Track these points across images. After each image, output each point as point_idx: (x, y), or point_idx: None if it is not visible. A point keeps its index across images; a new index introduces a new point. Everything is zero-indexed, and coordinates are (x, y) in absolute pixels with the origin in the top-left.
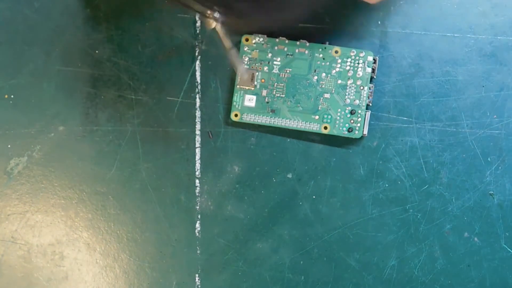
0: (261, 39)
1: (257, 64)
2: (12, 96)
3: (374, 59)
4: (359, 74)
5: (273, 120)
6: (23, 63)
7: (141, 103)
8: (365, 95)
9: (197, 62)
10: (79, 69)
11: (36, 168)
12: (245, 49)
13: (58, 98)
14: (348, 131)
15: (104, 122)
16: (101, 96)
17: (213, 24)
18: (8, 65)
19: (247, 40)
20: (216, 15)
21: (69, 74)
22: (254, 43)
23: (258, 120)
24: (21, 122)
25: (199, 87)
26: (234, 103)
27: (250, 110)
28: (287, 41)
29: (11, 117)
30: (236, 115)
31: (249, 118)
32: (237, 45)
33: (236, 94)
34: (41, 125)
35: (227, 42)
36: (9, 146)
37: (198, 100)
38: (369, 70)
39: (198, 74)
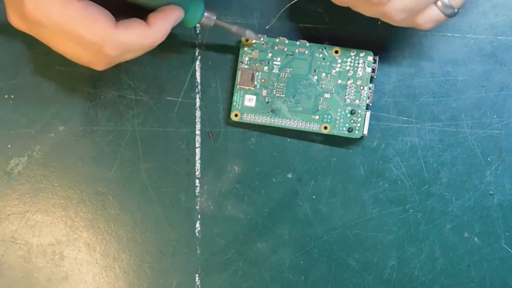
0: (261, 39)
1: (257, 64)
2: (12, 96)
3: (374, 59)
4: (359, 74)
5: (273, 120)
6: (23, 63)
7: (141, 103)
8: (365, 95)
9: (197, 62)
10: (79, 69)
11: (36, 168)
12: (245, 49)
13: (58, 98)
14: (348, 131)
15: (104, 122)
16: (101, 96)
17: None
18: (8, 65)
19: (247, 40)
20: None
21: (69, 74)
22: (254, 43)
23: (258, 120)
24: (21, 122)
25: (199, 87)
26: (234, 103)
27: (250, 110)
28: (287, 41)
29: (11, 117)
30: (236, 115)
31: (249, 118)
32: (237, 45)
33: (236, 94)
34: (41, 125)
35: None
36: (9, 146)
37: (198, 100)
38: (369, 70)
39: (198, 74)
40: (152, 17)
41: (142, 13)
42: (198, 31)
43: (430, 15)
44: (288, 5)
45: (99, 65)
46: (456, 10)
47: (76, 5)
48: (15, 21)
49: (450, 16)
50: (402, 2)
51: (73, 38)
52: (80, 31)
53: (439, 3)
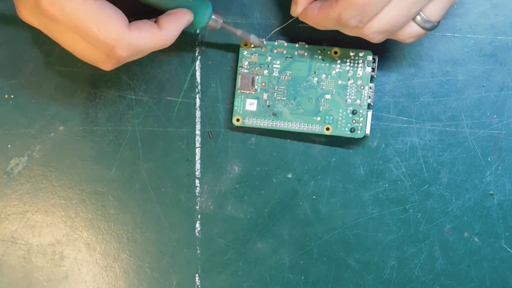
0: (265, 44)
1: (256, 68)
2: (12, 96)
3: (373, 58)
4: (359, 74)
5: (275, 123)
6: (23, 63)
7: (141, 103)
8: (366, 94)
9: (197, 62)
10: (79, 69)
11: (36, 168)
12: (244, 53)
13: (58, 98)
14: (351, 131)
15: (104, 122)
16: (101, 96)
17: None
18: (8, 65)
19: (246, 44)
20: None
21: (69, 74)
22: (253, 47)
23: (260, 124)
24: (21, 122)
25: (199, 87)
26: (236, 108)
27: (251, 114)
28: (285, 44)
29: (11, 117)
30: (238, 120)
31: (251, 122)
32: (237, 45)
33: (237, 99)
34: (41, 125)
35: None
36: (9, 146)
37: (198, 100)
38: (369, 69)
39: (198, 74)
40: (163, 20)
41: (151, 14)
42: (198, 31)
43: (410, 31)
44: (289, 21)
45: (107, 65)
46: (435, 24)
47: (93, 4)
48: (26, 15)
49: (430, 29)
50: (378, 25)
51: (85, 36)
52: (94, 30)
53: (418, 18)
